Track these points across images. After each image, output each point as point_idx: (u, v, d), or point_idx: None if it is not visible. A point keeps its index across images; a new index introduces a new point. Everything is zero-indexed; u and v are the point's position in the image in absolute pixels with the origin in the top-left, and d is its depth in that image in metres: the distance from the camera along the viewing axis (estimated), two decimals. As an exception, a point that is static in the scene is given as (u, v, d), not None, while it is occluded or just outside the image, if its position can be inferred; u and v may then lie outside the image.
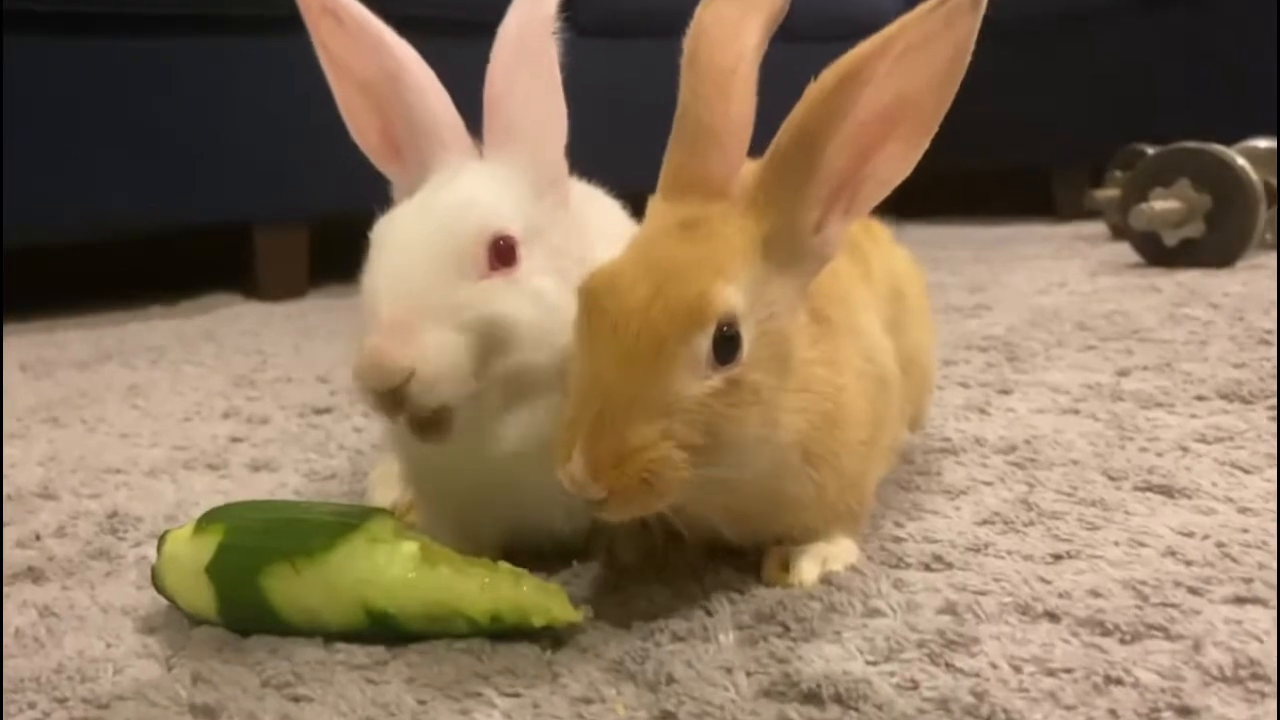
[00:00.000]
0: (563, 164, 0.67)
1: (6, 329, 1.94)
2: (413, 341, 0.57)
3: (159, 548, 0.63)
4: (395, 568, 0.58)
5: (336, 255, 2.53)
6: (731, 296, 0.54)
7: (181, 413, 1.22)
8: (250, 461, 0.99)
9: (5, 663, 0.59)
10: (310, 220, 2.33)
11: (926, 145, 0.59)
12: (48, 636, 0.62)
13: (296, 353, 1.61)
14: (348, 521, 0.60)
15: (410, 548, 0.59)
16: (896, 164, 0.59)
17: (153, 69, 2.10)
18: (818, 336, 0.60)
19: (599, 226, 0.69)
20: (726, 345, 0.53)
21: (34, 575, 0.72)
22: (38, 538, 0.80)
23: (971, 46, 0.56)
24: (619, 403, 0.52)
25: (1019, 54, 2.94)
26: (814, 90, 0.55)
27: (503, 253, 0.61)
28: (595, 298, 0.54)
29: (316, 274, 2.34)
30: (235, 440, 1.08)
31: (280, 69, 2.24)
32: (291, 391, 1.31)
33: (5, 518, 0.85)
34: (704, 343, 0.53)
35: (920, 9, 0.55)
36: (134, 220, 2.17)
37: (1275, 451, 0.81)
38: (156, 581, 0.63)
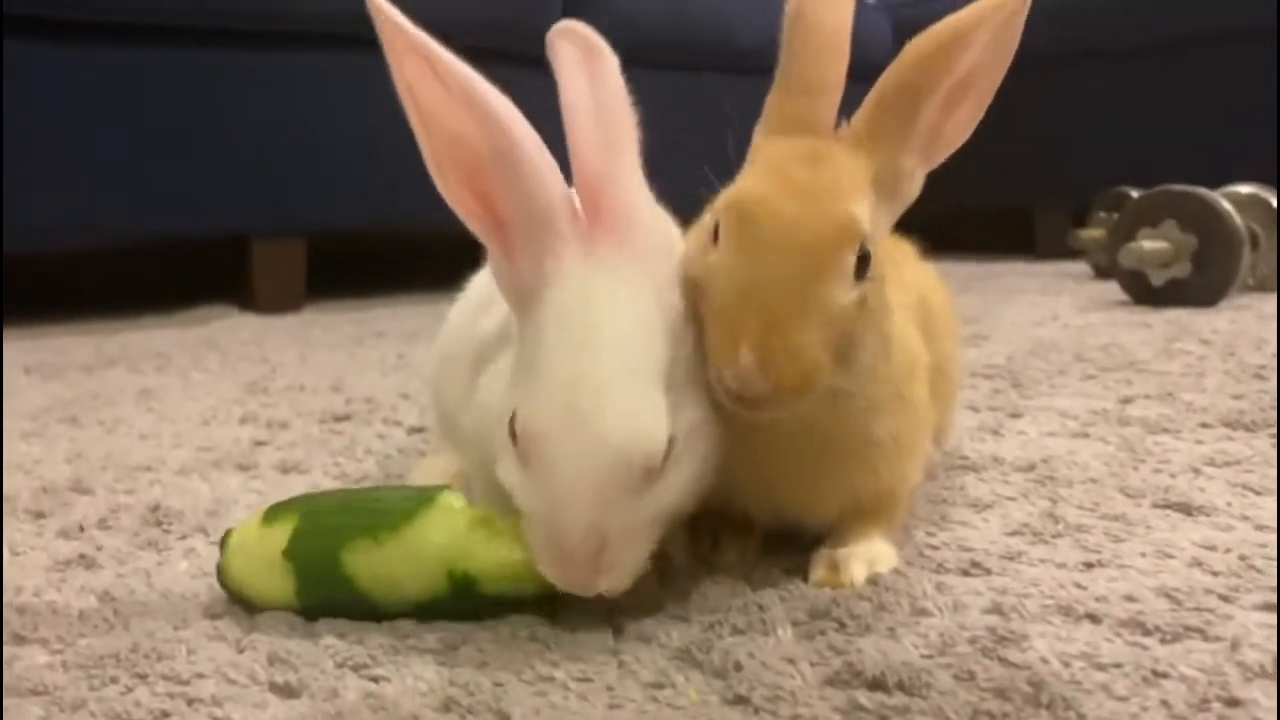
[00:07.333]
0: (675, 233, 0.66)
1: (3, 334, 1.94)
2: None
3: (222, 545, 0.65)
4: (473, 532, 0.61)
5: (331, 269, 2.53)
6: (866, 218, 0.60)
7: (198, 416, 1.23)
8: (279, 464, 1.00)
9: (78, 641, 0.60)
10: (308, 234, 2.34)
11: (982, 115, 0.66)
12: (115, 618, 0.63)
13: (303, 363, 1.62)
14: (422, 496, 0.63)
15: (483, 514, 0.62)
16: (963, 127, 0.66)
17: (153, 79, 2.12)
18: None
19: None
20: (863, 263, 0.59)
21: (86, 563, 0.73)
22: (81, 529, 0.81)
23: (1019, 35, 0.64)
24: (785, 307, 0.56)
25: (1003, 96, 3.01)
26: (918, 47, 0.62)
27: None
28: (747, 212, 0.59)
29: (311, 288, 2.35)
30: (259, 443, 1.09)
31: (281, 83, 2.26)
32: (306, 399, 1.32)
33: (43, 509, 0.86)
34: (852, 258, 0.58)
35: None
36: (131, 230, 2.16)
37: (1283, 475, 0.84)
38: (223, 578, 0.64)
